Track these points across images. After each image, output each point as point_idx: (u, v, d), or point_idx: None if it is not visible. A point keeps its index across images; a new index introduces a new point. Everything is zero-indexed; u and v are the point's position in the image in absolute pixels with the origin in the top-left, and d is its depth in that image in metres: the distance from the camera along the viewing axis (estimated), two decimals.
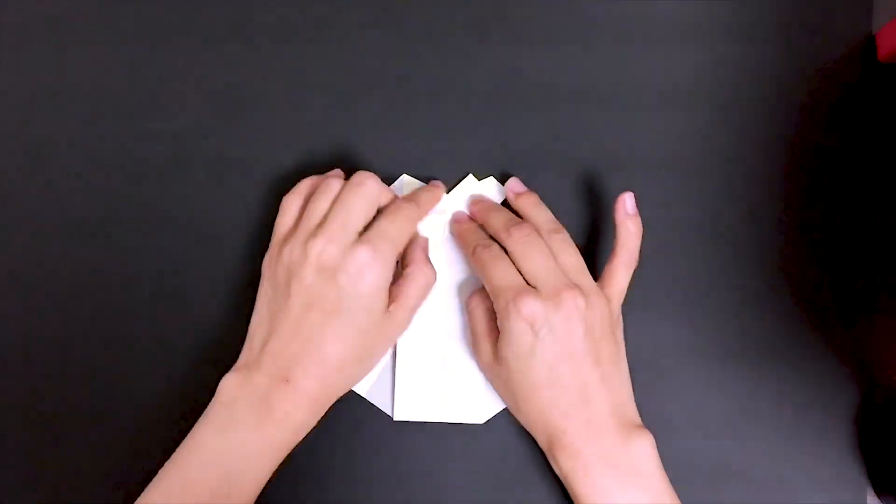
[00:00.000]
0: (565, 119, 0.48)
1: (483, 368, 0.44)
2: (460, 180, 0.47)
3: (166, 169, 0.47)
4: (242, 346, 0.42)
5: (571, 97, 0.48)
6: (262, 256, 0.43)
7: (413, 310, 0.43)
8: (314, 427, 0.41)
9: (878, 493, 0.44)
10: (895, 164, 0.47)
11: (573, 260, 0.42)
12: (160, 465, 0.38)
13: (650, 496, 0.39)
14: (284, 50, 0.48)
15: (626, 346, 0.43)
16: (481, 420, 0.45)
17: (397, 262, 0.43)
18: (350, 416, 0.45)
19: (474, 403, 0.45)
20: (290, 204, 0.43)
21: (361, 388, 0.45)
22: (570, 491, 0.40)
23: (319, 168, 0.46)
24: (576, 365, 0.39)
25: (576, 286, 0.40)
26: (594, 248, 0.47)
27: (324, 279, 0.39)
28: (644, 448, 0.39)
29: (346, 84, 0.48)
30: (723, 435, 0.45)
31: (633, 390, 0.42)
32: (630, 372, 0.42)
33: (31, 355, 0.46)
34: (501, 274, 0.41)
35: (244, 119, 0.48)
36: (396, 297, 0.42)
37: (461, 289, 0.46)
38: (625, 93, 0.48)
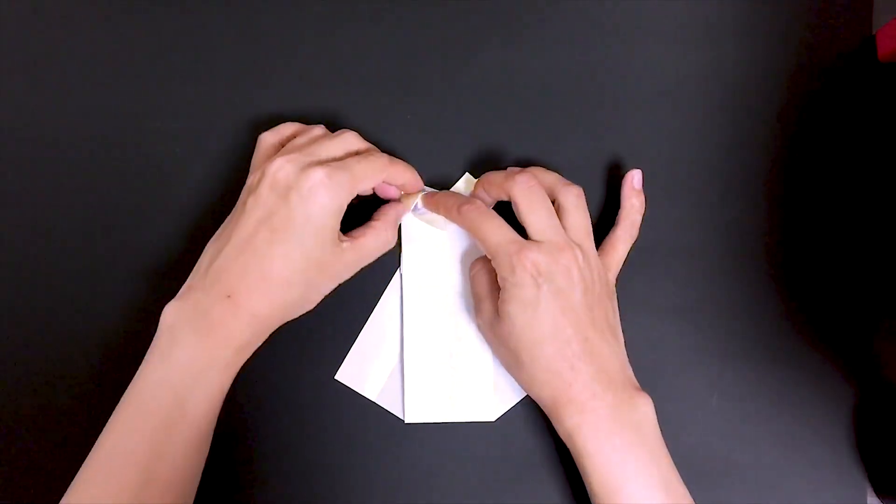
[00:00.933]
0: (564, 119, 0.48)
1: (484, 330, 0.44)
2: (458, 179, 0.47)
3: (167, 169, 0.47)
4: None
5: (571, 97, 0.48)
6: None
7: (363, 259, 0.43)
8: (257, 350, 0.40)
9: (879, 493, 0.44)
10: (895, 164, 0.47)
11: (580, 220, 0.42)
12: None
13: (653, 458, 0.39)
14: (284, 49, 0.48)
15: (626, 346, 0.43)
16: (493, 417, 0.45)
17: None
18: (361, 419, 0.45)
19: (485, 402, 0.45)
20: (265, 140, 0.43)
21: (371, 393, 0.45)
22: (573, 451, 0.40)
23: None
24: (577, 318, 0.40)
25: (577, 245, 0.40)
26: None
27: (276, 195, 0.39)
28: (646, 409, 0.40)
29: (347, 83, 0.48)
30: (723, 435, 0.45)
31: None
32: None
33: (30, 355, 0.46)
34: (497, 231, 0.41)
35: (242, 118, 0.48)
36: (352, 237, 0.42)
37: (465, 290, 0.46)
38: (625, 92, 0.48)
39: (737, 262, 0.47)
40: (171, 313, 0.39)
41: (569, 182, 0.43)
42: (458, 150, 0.47)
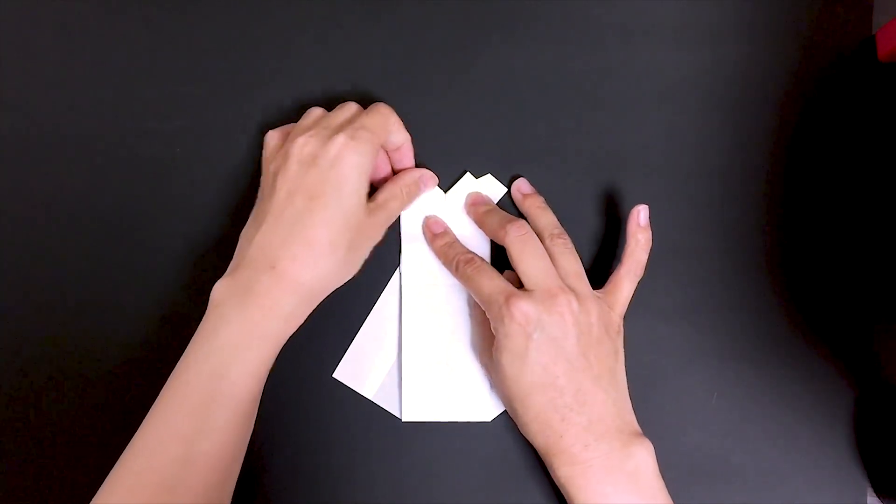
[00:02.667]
0: (564, 119, 0.48)
1: (487, 371, 0.44)
2: (458, 178, 0.47)
3: (167, 168, 0.47)
4: None
5: (571, 97, 0.48)
6: None
7: (390, 217, 0.44)
8: (306, 321, 0.41)
9: (879, 493, 0.44)
10: (895, 164, 0.47)
11: (571, 264, 0.42)
12: None
13: None
14: (284, 49, 0.48)
15: (626, 346, 0.43)
16: (489, 418, 0.45)
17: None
18: (358, 418, 0.45)
19: (481, 401, 0.45)
20: (272, 136, 0.44)
21: (368, 392, 0.45)
22: (567, 500, 0.40)
23: None
24: (570, 367, 0.39)
25: (570, 290, 0.40)
26: (594, 248, 0.47)
27: (305, 167, 0.40)
28: (643, 456, 0.39)
29: (347, 83, 0.48)
30: (723, 435, 0.45)
31: (635, 390, 0.42)
32: (631, 372, 0.42)
33: (29, 355, 0.46)
34: (489, 283, 0.41)
35: (242, 118, 0.48)
36: (375, 198, 0.43)
37: (463, 289, 0.46)
38: (625, 93, 0.48)
39: (737, 262, 0.47)
40: (219, 292, 0.40)
41: (556, 231, 0.43)
42: (458, 149, 0.47)
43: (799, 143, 0.47)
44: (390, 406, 0.45)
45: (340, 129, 0.41)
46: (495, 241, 0.44)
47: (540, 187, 0.46)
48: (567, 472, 0.39)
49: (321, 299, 0.41)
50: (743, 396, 0.45)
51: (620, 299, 0.42)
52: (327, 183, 0.40)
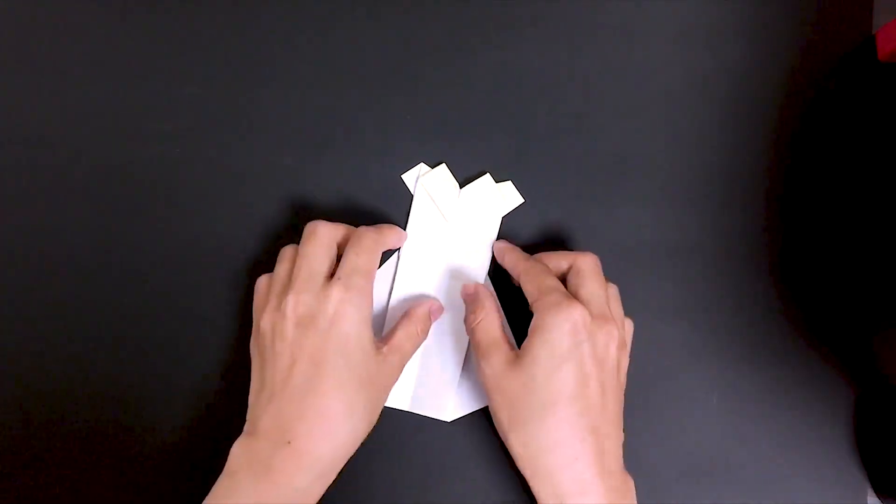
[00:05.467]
0: (564, 119, 0.48)
1: (488, 380, 0.40)
2: (458, 177, 0.47)
3: (167, 169, 0.47)
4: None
5: (571, 97, 0.48)
6: (269, 264, 0.43)
7: (404, 358, 0.42)
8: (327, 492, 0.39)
9: (879, 493, 0.44)
10: (895, 164, 0.47)
11: (620, 311, 0.42)
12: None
13: None
14: (284, 49, 0.48)
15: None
16: (449, 419, 0.45)
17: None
18: None
19: (445, 401, 0.45)
20: (260, 281, 0.42)
21: None
22: None
23: (316, 164, 0.46)
24: (602, 392, 0.38)
25: (619, 327, 0.40)
26: (593, 249, 0.47)
27: (303, 329, 0.38)
28: (633, 495, 0.39)
29: (346, 83, 0.48)
30: (723, 435, 0.45)
31: (635, 390, 0.42)
32: (631, 372, 0.42)
33: (29, 355, 0.46)
34: (552, 280, 0.40)
35: (242, 118, 0.48)
36: (387, 340, 0.41)
37: (452, 290, 0.45)
38: (625, 93, 0.48)
39: (737, 262, 0.47)
40: (235, 457, 0.38)
41: (613, 285, 0.42)
42: (458, 150, 0.47)
43: (799, 143, 0.47)
44: None
45: (331, 276, 0.40)
46: (560, 265, 0.42)
47: (539, 187, 0.46)
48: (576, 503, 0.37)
49: (341, 466, 0.39)
50: (743, 396, 0.45)
51: (625, 364, 0.42)
52: (329, 344, 0.38)
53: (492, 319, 0.42)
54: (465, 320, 0.43)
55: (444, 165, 0.47)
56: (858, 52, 0.48)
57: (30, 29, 0.48)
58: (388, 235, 0.43)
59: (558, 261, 0.42)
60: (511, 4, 0.48)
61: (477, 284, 0.44)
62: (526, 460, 0.39)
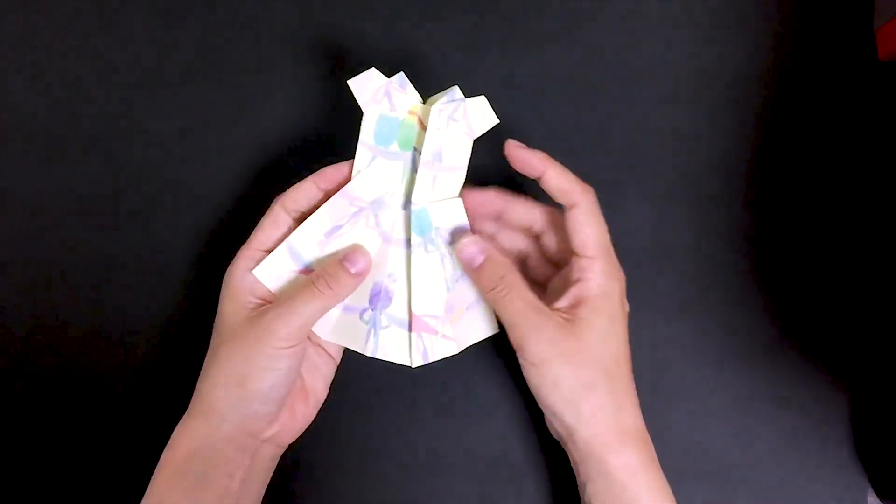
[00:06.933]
0: (564, 118, 0.48)
1: (541, 352, 0.37)
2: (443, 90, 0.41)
3: (167, 169, 0.47)
4: None
5: (571, 96, 0.48)
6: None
7: (293, 313, 0.37)
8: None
9: (879, 495, 0.44)
10: (895, 164, 0.47)
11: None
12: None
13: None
14: (284, 49, 0.48)
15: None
16: (414, 364, 0.41)
17: None
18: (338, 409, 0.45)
19: (403, 346, 0.41)
20: None
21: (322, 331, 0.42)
22: (623, 491, 0.37)
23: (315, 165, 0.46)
24: (628, 356, 0.40)
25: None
26: None
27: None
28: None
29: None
30: (723, 435, 0.45)
31: (636, 389, 0.42)
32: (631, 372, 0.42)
33: (28, 355, 0.46)
34: (606, 234, 0.40)
35: (242, 119, 0.48)
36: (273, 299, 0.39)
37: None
38: (625, 92, 0.48)
39: (737, 261, 0.47)
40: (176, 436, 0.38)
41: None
42: None
43: (799, 143, 0.47)
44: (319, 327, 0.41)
45: None
46: (562, 193, 0.39)
47: (539, 187, 0.46)
48: (633, 461, 0.37)
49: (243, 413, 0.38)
50: (743, 396, 0.45)
51: None
52: (220, 311, 0.40)
53: (521, 291, 0.38)
54: (486, 296, 0.39)
55: (402, 74, 0.41)
56: (858, 52, 0.48)
57: (30, 29, 0.49)
58: (306, 187, 0.40)
59: (559, 182, 0.39)
60: (511, 5, 0.48)
61: (483, 247, 0.39)
62: (568, 416, 0.37)
